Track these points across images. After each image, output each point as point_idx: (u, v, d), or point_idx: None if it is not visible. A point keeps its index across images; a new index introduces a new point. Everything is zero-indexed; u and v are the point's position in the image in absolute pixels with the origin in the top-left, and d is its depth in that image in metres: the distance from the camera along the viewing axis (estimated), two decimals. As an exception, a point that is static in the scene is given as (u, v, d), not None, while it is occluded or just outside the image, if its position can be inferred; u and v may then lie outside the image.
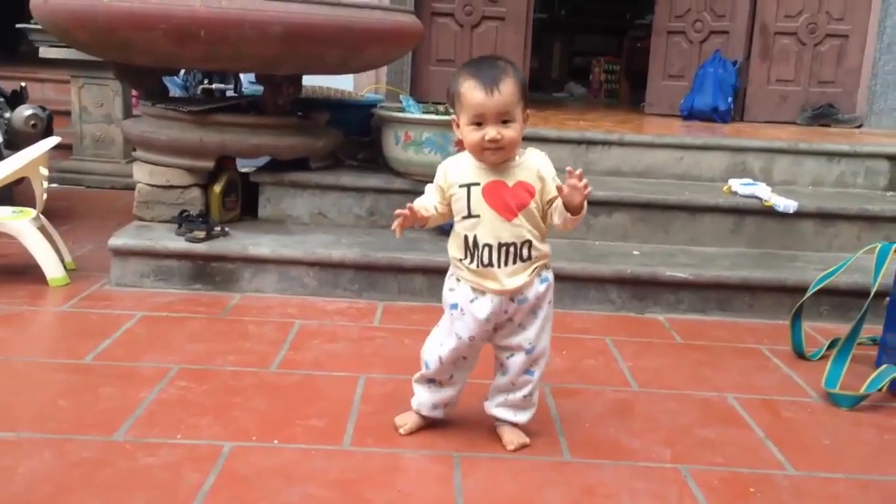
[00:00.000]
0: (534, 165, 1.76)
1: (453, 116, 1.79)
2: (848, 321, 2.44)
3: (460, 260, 1.79)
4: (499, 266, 1.75)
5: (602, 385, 2.27)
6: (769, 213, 3.22)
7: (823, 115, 4.82)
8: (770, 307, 2.90)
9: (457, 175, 1.77)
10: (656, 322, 2.83)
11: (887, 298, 2.41)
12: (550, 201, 1.75)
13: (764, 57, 5.00)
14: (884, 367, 2.27)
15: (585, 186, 1.66)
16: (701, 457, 1.88)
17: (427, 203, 1.82)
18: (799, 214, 3.22)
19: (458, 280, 1.82)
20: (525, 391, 1.86)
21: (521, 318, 1.81)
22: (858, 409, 2.18)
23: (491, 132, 1.68)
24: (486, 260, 1.75)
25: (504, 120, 1.69)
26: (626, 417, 2.08)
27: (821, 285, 2.57)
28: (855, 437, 2.04)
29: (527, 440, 1.88)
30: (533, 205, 1.74)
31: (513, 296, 1.77)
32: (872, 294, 2.39)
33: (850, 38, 4.91)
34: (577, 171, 1.66)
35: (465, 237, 1.76)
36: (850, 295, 2.80)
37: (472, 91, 1.68)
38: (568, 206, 1.70)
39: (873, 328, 2.49)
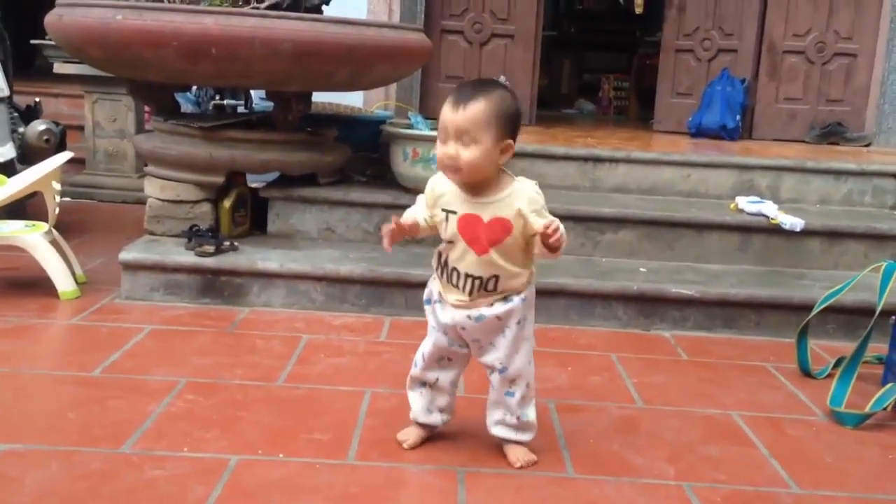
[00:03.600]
0: (516, 203, 1.70)
1: None
2: (854, 339, 2.44)
3: (434, 267, 1.82)
4: (462, 290, 1.76)
5: (607, 401, 2.28)
6: (776, 230, 3.22)
7: (832, 134, 4.82)
8: (776, 325, 2.90)
9: (442, 194, 1.76)
10: (662, 339, 2.84)
11: (893, 317, 2.41)
12: (534, 234, 1.70)
13: (772, 75, 5.01)
14: (889, 385, 2.27)
15: (555, 239, 1.65)
16: (704, 474, 1.88)
17: (416, 214, 1.81)
18: (806, 232, 3.22)
19: (433, 277, 1.85)
20: (514, 413, 1.85)
21: (490, 336, 1.80)
22: (863, 428, 2.18)
23: (449, 149, 1.66)
24: (453, 281, 1.77)
25: (465, 141, 1.65)
26: (631, 434, 2.08)
27: (827, 303, 2.57)
28: (859, 455, 2.04)
29: (534, 457, 1.88)
30: (510, 240, 1.72)
31: (469, 312, 1.78)
32: (878, 312, 2.39)
33: (858, 56, 4.92)
34: (552, 226, 1.64)
35: (440, 254, 1.79)
36: (857, 313, 2.80)
37: (444, 105, 1.69)
38: (547, 249, 1.68)
39: (879, 347, 2.49)
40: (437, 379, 1.89)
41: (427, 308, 1.87)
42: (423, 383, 1.91)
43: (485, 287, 1.75)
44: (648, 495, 1.77)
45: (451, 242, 1.76)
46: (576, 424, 2.11)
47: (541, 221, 1.68)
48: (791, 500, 1.79)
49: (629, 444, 2.02)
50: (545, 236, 1.65)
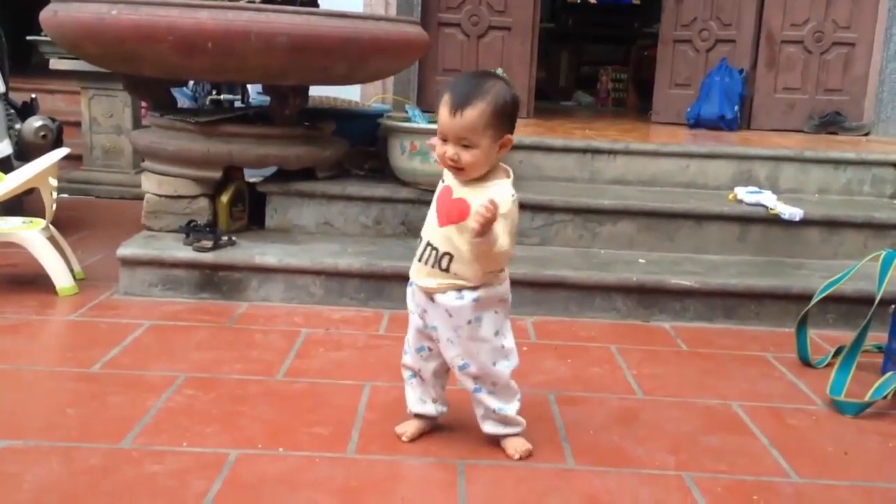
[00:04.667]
0: (485, 197, 1.64)
1: None
2: (854, 329, 2.44)
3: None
4: (424, 263, 1.78)
5: (607, 393, 2.28)
6: (775, 220, 3.22)
7: (831, 123, 4.82)
8: (776, 315, 2.89)
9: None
10: (662, 330, 2.84)
11: (892, 306, 2.42)
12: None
13: (770, 65, 5.00)
14: (889, 374, 2.27)
15: (485, 214, 1.59)
16: (705, 464, 1.88)
17: None
18: (805, 222, 3.22)
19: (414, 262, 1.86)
20: (493, 408, 1.84)
21: (446, 331, 1.80)
22: (863, 417, 2.18)
23: (449, 151, 1.69)
24: (419, 250, 1.80)
25: (465, 144, 1.67)
26: (631, 425, 2.08)
27: (826, 293, 2.57)
28: (859, 444, 2.04)
29: (530, 446, 1.88)
30: (463, 227, 1.70)
31: (429, 295, 1.79)
32: (877, 301, 2.39)
33: (856, 46, 4.91)
34: (488, 206, 1.60)
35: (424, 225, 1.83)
36: (857, 302, 2.79)
37: (442, 107, 1.69)
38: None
39: (879, 335, 2.49)
40: (420, 370, 1.91)
41: (408, 290, 1.89)
42: (413, 373, 1.93)
43: (439, 263, 1.75)
44: (649, 486, 1.77)
45: (430, 211, 1.81)
46: (576, 416, 2.11)
47: (495, 232, 1.65)
48: (791, 490, 1.79)
49: (629, 435, 2.02)
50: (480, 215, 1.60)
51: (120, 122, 4.60)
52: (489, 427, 1.89)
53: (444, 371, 1.92)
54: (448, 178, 1.79)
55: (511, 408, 1.86)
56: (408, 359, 1.92)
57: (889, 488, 1.82)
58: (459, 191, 1.75)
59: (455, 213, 1.73)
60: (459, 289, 1.76)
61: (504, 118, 1.69)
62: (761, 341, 2.75)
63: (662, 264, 3.08)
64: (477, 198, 1.69)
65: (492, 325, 1.80)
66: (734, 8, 4.98)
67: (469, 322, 1.77)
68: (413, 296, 1.87)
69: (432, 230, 1.77)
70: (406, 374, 1.95)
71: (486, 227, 1.61)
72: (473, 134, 1.66)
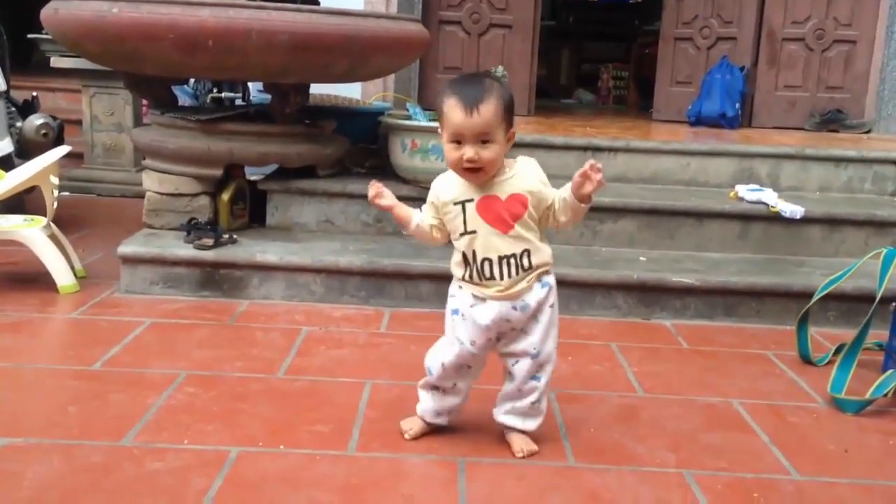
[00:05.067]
0: (526, 177, 1.76)
1: (438, 129, 1.79)
2: (855, 326, 2.44)
3: (461, 278, 1.82)
4: (500, 278, 1.76)
5: (607, 390, 2.28)
6: (776, 218, 3.22)
7: (832, 121, 4.82)
8: (777, 313, 2.89)
9: (449, 193, 1.78)
10: (663, 328, 2.84)
11: (893, 304, 2.41)
12: (549, 207, 1.77)
13: (771, 63, 5.00)
14: (889, 372, 2.27)
15: (600, 182, 1.69)
16: (705, 462, 1.88)
17: (415, 214, 1.86)
18: (806, 220, 3.22)
19: (459, 287, 1.83)
20: (532, 398, 1.86)
21: (524, 324, 1.81)
22: (864, 415, 2.18)
23: (469, 152, 1.69)
24: (487, 274, 1.77)
25: (484, 140, 1.69)
26: (632, 423, 2.08)
27: (827, 290, 2.57)
28: (860, 442, 2.04)
29: (535, 448, 1.88)
30: (528, 215, 1.75)
31: (514, 303, 1.78)
32: (878, 299, 2.39)
33: (857, 43, 4.91)
34: (595, 165, 1.68)
35: (464, 254, 1.78)
36: (858, 300, 2.80)
37: (452, 110, 1.69)
38: (580, 197, 1.71)
39: (880, 333, 2.49)
40: (455, 384, 1.90)
41: (455, 318, 1.83)
42: (437, 388, 1.91)
43: (520, 264, 1.76)
44: (649, 483, 1.78)
45: (472, 233, 1.76)
46: (576, 414, 2.11)
47: (553, 191, 1.76)
48: (792, 487, 1.79)
49: (630, 432, 2.02)
50: (584, 177, 1.68)
51: (121, 120, 4.60)
52: (510, 420, 1.88)
53: (472, 382, 1.93)
54: (475, 192, 1.75)
55: (545, 400, 1.90)
56: (435, 381, 1.89)
57: (889, 486, 1.82)
58: (502, 191, 1.75)
59: (517, 209, 1.74)
60: (540, 277, 1.80)
61: (510, 112, 1.73)
62: (762, 339, 2.75)
63: (663, 262, 3.08)
64: (518, 185, 1.75)
65: (558, 309, 1.86)
66: (735, 5, 4.98)
67: (551, 305, 1.83)
68: (481, 316, 1.79)
69: (495, 244, 1.75)
70: (427, 387, 1.93)
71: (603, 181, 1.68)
72: (490, 128, 1.68)
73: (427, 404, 1.93)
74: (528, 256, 1.77)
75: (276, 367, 2.31)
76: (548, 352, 1.84)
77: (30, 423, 1.91)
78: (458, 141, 1.71)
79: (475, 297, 1.80)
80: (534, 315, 1.81)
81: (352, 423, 1.99)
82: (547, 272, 1.82)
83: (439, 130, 1.78)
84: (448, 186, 1.79)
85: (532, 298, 1.79)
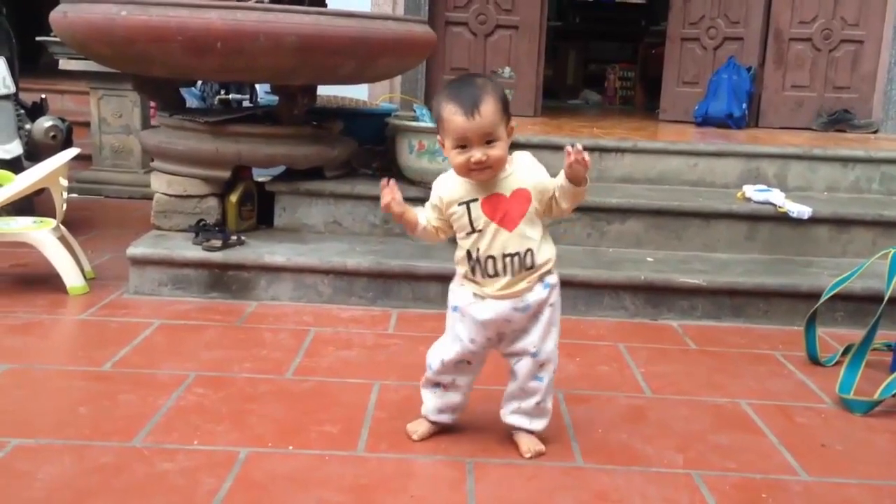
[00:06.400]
0: (527, 172, 1.79)
1: (439, 137, 1.79)
2: (863, 327, 2.44)
3: (464, 275, 1.82)
4: (503, 275, 1.77)
5: (615, 391, 2.28)
6: (783, 219, 3.21)
7: (839, 121, 4.81)
8: (785, 313, 2.89)
9: (452, 193, 1.79)
10: (670, 328, 2.84)
11: (902, 304, 2.41)
12: (552, 196, 1.78)
13: (778, 63, 4.99)
14: (898, 372, 2.27)
15: (584, 160, 1.69)
16: (713, 462, 1.89)
17: (419, 212, 1.85)
18: (813, 220, 3.21)
19: (461, 284, 1.85)
20: (536, 398, 1.86)
21: (524, 323, 1.82)
22: (872, 415, 2.18)
23: (477, 154, 1.70)
24: (490, 271, 1.78)
25: (488, 140, 1.70)
26: (639, 423, 2.08)
27: (835, 291, 2.56)
28: (868, 442, 2.04)
29: (543, 448, 1.88)
30: (532, 209, 1.77)
31: (514, 303, 1.79)
32: (886, 299, 2.38)
33: (865, 43, 4.89)
34: (575, 147, 1.69)
35: (469, 252, 1.79)
36: (866, 300, 2.79)
37: (453, 116, 1.70)
38: (573, 180, 1.73)
39: (888, 334, 2.49)
40: (454, 380, 1.90)
41: (454, 315, 1.85)
42: (438, 384, 1.92)
43: (524, 264, 1.77)
44: (657, 484, 1.78)
45: (478, 232, 1.77)
46: (584, 414, 2.11)
47: (553, 180, 1.77)
48: (800, 488, 1.79)
49: (638, 433, 2.02)
50: (575, 164, 1.69)
51: (129, 122, 4.62)
52: (516, 419, 1.89)
53: (474, 380, 1.93)
54: (479, 190, 1.76)
55: (551, 400, 1.90)
56: (434, 376, 1.90)
57: (898, 486, 1.82)
58: (506, 188, 1.76)
59: (522, 206, 1.76)
60: (542, 277, 1.80)
61: (507, 107, 1.75)
62: (770, 340, 2.75)
63: (670, 263, 3.08)
64: (519, 181, 1.76)
65: (559, 309, 1.86)
66: (742, 5, 4.97)
67: (551, 305, 1.83)
68: (480, 313, 1.81)
69: (500, 242, 1.76)
70: (428, 384, 1.94)
71: (587, 160, 1.69)
72: (495, 127, 1.70)
73: (429, 402, 1.94)
74: (532, 255, 1.78)
75: (285, 368, 2.32)
76: (548, 351, 1.84)
77: (41, 424, 1.92)
78: (462, 146, 1.71)
79: (475, 295, 1.81)
80: (534, 314, 1.81)
81: (360, 423, 2.00)
82: (549, 272, 1.83)
83: (440, 139, 1.78)
84: (450, 187, 1.80)
85: (532, 298, 1.80)
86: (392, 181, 1.80)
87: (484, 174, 1.74)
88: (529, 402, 1.87)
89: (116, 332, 2.56)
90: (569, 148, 1.70)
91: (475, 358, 1.87)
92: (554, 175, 1.79)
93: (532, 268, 1.78)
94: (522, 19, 5.00)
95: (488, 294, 1.79)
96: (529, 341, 1.83)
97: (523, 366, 1.84)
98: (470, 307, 1.82)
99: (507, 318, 1.80)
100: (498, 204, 1.76)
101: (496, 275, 1.77)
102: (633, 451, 1.93)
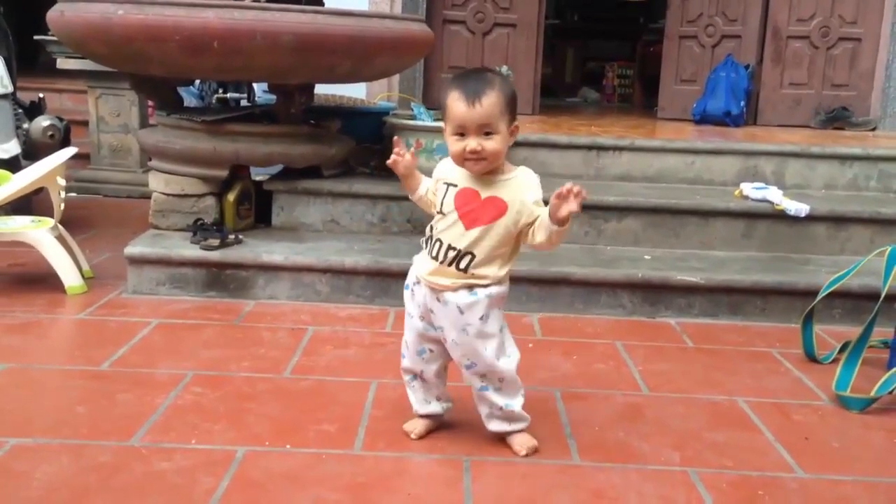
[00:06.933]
0: (519, 189, 1.75)
1: (443, 125, 1.80)
2: (861, 324, 2.44)
3: (423, 242, 1.85)
4: (440, 263, 1.78)
5: (612, 389, 2.28)
6: (781, 216, 3.22)
7: (837, 119, 4.81)
8: (782, 311, 2.90)
9: (445, 173, 1.82)
10: (667, 326, 2.84)
11: (898, 301, 2.42)
12: (530, 224, 1.74)
13: (776, 61, 4.99)
14: (894, 369, 2.27)
15: (578, 194, 1.62)
16: (710, 460, 1.89)
17: (425, 182, 1.90)
18: (811, 218, 3.22)
19: (416, 261, 1.88)
20: (498, 404, 1.85)
21: (453, 331, 1.80)
22: (869, 412, 2.18)
23: (472, 143, 1.70)
24: (433, 253, 1.79)
25: (486, 132, 1.71)
26: (636, 421, 2.09)
27: (832, 288, 2.57)
28: (865, 439, 2.04)
29: (535, 443, 1.89)
30: (498, 225, 1.74)
31: (437, 294, 1.80)
32: (882, 297, 2.39)
33: (863, 41, 4.90)
34: (569, 188, 1.63)
35: (431, 227, 1.82)
36: (863, 298, 2.79)
37: (455, 102, 1.71)
38: (553, 217, 1.66)
39: (885, 331, 2.49)
40: (423, 371, 1.91)
41: (406, 293, 1.90)
42: (414, 375, 1.93)
43: (458, 263, 1.76)
44: (654, 482, 1.78)
45: (443, 214, 1.79)
46: (581, 412, 2.12)
47: (542, 210, 1.72)
48: (796, 485, 1.80)
49: (635, 431, 2.02)
50: (561, 197, 1.62)
51: (127, 121, 4.62)
52: (495, 425, 1.90)
53: (444, 369, 1.94)
54: (463, 180, 1.77)
55: (517, 403, 1.87)
56: (407, 362, 1.93)
57: (893, 483, 1.82)
58: (487, 190, 1.75)
59: (490, 214, 1.74)
60: (471, 287, 1.78)
61: (513, 105, 1.75)
62: (767, 337, 2.76)
63: (668, 261, 3.08)
64: (505, 192, 1.74)
65: (497, 321, 1.82)
66: (740, 3, 4.98)
67: (480, 318, 1.78)
68: (413, 297, 1.87)
69: (454, 233, 1.76)
70: (406, 377, 1.96)
71: (579, 209, 1.64)
72: (493, 119, 1.70)
73: (412, 397, 1.95)
74: (469, 262, 1.76)
75: (283, 367, 2.33)
76: (486, 364, 1.81)
77: (39, 424, 1.93)
78: (461, 133, 1.72)
79: (416, 277, 1.86)
80: (462, 324, 1.78)
81: (358, 422, 2.00)
82: (484, 287, 1.78)
83: (443, 126, 1.79)
84: (448, 167, 1.83)
85: (455, 300, 1.78)
86: (402, 142, 1.85)
87: (478, 165, 1.73)
88: (494, 409, 1.87)
89: (114, 331, 2.56)
90: (567, 187, 1.63)
91: (433, 343, 1.87)
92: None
93: (463, 271, 1.77)
94: (520, 17, 5.00)
95: (420, 276, 1.83)
96: (460, 353, 1.82)
97: (467, 376, 1.86)
98: (414, 287, 1.87)
99: (430, 307, 1.82)
100: (469, 199, 1.76)
101: (435, 258, 1.79)
102: (629, 448, 1.93)
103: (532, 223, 1.74)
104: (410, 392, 1.96)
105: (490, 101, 1.69)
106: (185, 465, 1.76)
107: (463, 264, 1.76)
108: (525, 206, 1.74)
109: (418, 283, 1.86)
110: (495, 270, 1.78)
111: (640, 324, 2.86)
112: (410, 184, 1.91)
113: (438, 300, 1.80)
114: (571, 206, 1.63)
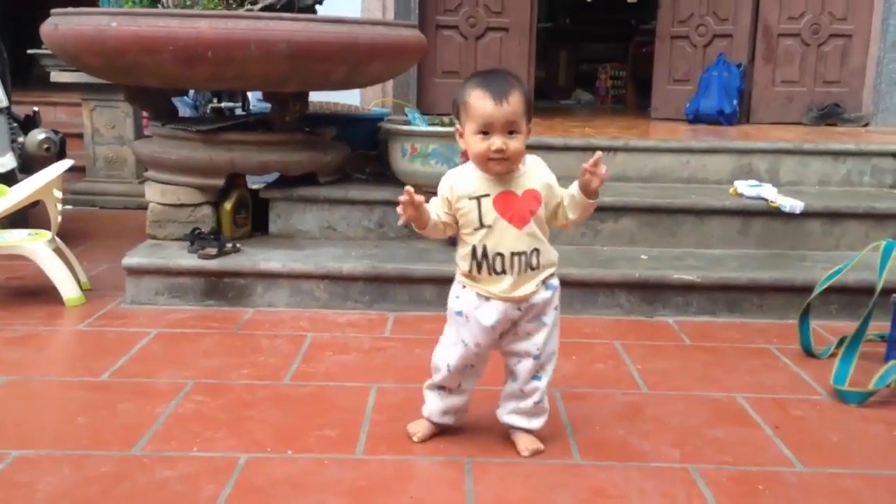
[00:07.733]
0: (538, 173, 1.82)
1: (457, 126, 1.81)
2: (857, 319, 2.45)
3: (469, 272, 1.81)
4: (510, 274, 1.77)
5: (611, 388, 2.29)
6: (776, 213, 3.23)
7: (830, 115, 4.83)
8: (779, 307, 2.91)
9: (464, 188, 1.78)
10: (665, 325, 2.85)
11: (894, 295, 2.42)
12: (559, 203, 1.81)
13: (768, 59, 5.01)
14: (891, 363, 2.28)
15: (603, 175, 1.76)
16: (710, 456, 1.90)
17: (429, 208, 1.82)
18: (806, 214, 3.23)
19: (463, 287, 1.84)
20: (535, 398, 1.87)
21: (528, 325, 1.83)
22: (867, 406, 2.19)
23: (497, 142, 1.71)
24: (498, 268, 1.77)
25: (510, 131, 1.72)
26: (636, 419, 2.09)
27: (828, 284, 2.58)
28: (863, 432, 2.05)
29: (541, 446, 1.89)
30: (541, 211, 1.79)
31: (519, 304, 1.80)
32: (878, 291, 2.40)
33: (853, 37, 4.92)
34: (596, 159, 1.74)
35: (474, 248, 1.78)
36: (859, 293, 2.80)
37: (480, 101, 1.71)
38: (585, 191, 1.77)
39: (881, 325, 2.50)
40: (460, 384, 1.91)
41: (458, 320, 1.84)
42: (443, 387, 1.92)
43: (529, 263, 1.78)
44: (655, 479, 1.79)
45: (486, 228, 1.76)
46: (581, 412, 2.12)
47: (564, 190, 1.82)
48: (795, 479, 1.81)
49: (635, 429, 2.03)
50: (591, 173, 1.74)
51: (122, 133, 4.63)
52: (515, 419, 1.90)
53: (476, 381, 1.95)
54: (489, 187, 1.76)
55: (547, 399, 1.91)
56: (442, 380, 1.90)
57: (893, 476, 1.83)
58: (517, 186, 1.78)
59: (531, 206, 1.78)
60: (544, 281, 1.82)
61: (530, 106, 1.78)
62: (765, 334, 2.77)
63: (665, 260, 3.10)
64: (531, 181, 1.79)
65: (559, 310, 1.88)
66: (730, 3, 4.99)
67: (555, 307, 1.85)
68: (485, 317, 1.80)
69: (509, 240, 1.76)
70: (433, 387, 1.94)
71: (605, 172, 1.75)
72: (518, 117, 1.73)
73: (433, 405, 1.94)
74: (538, 255, 1.79)
75: (283, 374, 2.33)
76: (549, 353, 1.87)
77: (40, 435, 1.93)
78: (484, 132, 1.73)
79: (479, 296, 1.80)
80: (537, 317, 1.83)
81: (359, 426, 2.01)
82: (552, 275, 1.85)
83: (458, 127, 1.79)
84: (464, 181, 1.79)
85: (538, 300, 1.81)
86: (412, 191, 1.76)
87: (501, 166, 1.75)
88: (528, 402, 1.88)
89: (114, 341, 2.56)
90: (594, 159, 1.74)
91: (479, 360, 1.88)
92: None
93: (537, 268, 1.79)
94: (512, 21, 5.02)
95: (494, 294, 1.79)
96: (533, 343, 1.84)
97: (524, 367, 1.85)
98: (475, 311, 1.81)
99: (511, 317, 1.81)
100: (509, 201, 1.77)
101: (503, 272, 1.77)
102: (630, 447, 1.94)
103: (560, 203, 1.81)
104: (434, 398, 1.94)
105: (515, 100, 1.72)
106: (188, 472, 1.77)
107: (535, 261, 1.79)
108: (552, 188, 1.81)
109: (481, 303, 1.80)
110: (552, 254, 1.84)
111: (638, 323, 2.87)
112: (422, 219, 1.79)
113: (520, 309, 1.80)
114: (601, 173, 1.73)
